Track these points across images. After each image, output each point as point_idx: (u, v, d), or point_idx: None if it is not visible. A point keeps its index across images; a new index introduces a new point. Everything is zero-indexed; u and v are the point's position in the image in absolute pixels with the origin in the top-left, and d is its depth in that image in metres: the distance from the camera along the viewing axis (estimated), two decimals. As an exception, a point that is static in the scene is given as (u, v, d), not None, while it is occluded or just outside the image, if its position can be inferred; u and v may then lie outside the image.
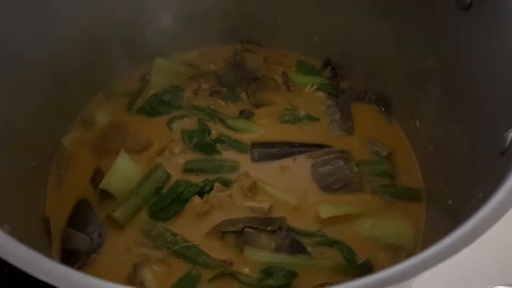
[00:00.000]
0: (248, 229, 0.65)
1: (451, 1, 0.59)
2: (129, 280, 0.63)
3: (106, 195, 0.70)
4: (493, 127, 0.50)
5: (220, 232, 0.66)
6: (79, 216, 0.68)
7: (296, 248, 0.65)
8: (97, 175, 0.72)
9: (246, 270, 0.64)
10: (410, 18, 0.69)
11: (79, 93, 0.78)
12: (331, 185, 0.71)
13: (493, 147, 0.48)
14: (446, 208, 0.61)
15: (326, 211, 0.67)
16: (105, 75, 0.81)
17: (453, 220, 0.57)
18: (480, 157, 0.53)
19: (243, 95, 0.82)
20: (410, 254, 0.65)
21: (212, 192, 0.70)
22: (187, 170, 0.72)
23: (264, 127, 0.78)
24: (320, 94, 0.82)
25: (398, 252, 0.66)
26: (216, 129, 0.77)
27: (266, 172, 0.73)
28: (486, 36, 0.56)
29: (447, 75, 0.64)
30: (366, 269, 0.64)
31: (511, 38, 0.51)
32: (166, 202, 0.69)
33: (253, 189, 0.70)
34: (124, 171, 0.71)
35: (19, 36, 0.62)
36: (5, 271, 0.66)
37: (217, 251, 0.65)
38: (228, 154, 0.75)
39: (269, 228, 0.65)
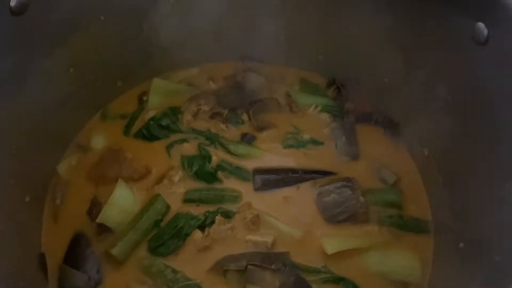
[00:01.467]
0: (252, 267, 0.63)
1: (467, 36, 0.55)
2: (129, 321, 0.61)
3: (104, 228, 0.67)
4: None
5: (222, 268, 0.64)
6: (76, 252, 0.66)
7: (300, 286, 0.63)
8: (94, 205, 0.69)
9: (250, 309, 0.62)
10: (422, 46, 0.66)
11: (75, 116, 0.75)
12: (337, 216, 0.69)
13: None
14: (456, 248, 0.59)
15: (332, 246, 0.65)
16: (101, 96, 0.78)
17: (464, 263, 0.56)
18: (498, 206, 0.50)
19: (245, 117, 0.79)
20: (418, 290, 0.64)
21: (214, 225, 0.67)
22: (188, 200, 0.70)
23: (267, 152, 0.75)
24: (325, 115, 0.79)
25: (406, 288, 0.65)
26: (217, 155, 0.74)
27: (269, 202, 0.71)
28: (503, 71, 0.53)
29: (460, 106, 0.61)
30: (373, 308, 0.63)
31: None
32: (166, 237, 0.66)
33: (256, 222, 0.68)
34: (122, 202, 0.68)
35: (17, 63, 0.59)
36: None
37: (219, 289, 0.64)
38: (230, 183, 0.72)
39: (273, 266, 0.63)
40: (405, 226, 0.69)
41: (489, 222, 0.51)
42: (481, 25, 0.54)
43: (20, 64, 0.61)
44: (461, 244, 0.57)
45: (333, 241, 0.66)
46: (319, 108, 0.80)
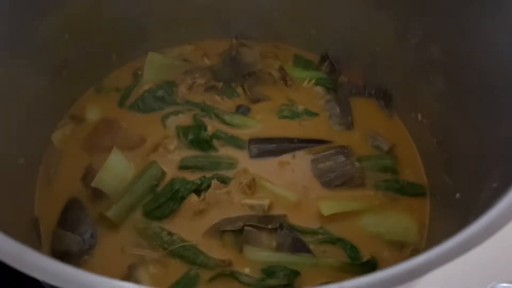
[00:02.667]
0: (248, 228, 0.63)
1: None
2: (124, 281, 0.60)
3: (98, 194, 0.66)
4: (508, 113, 0.48)
5: (218, 231, 0.64)
6: (70, 216, 0.65)
7: (298, 246, 0.63)
8: (89, 173, 0.69)
9: (247, 270, 0.62)
10: (412, 5, 0.67)
11: (70, 87, 0.75)
12: (332, 181, 0.69)
13: (507, 131, 0.46)
14: (453, 202, 0.59)
15: (327, 208, 0.65)
16: (96, 69, 0.78)
17: (460, 215, 0.56)
18: (493, 145, 0.51)
19: (240, 90, 0.79)
20: (415, 250, 0.64)
21: (210, 189, 0.67)
22: (183, 167, 0.70)
23: (261, 123, 0.76)
24: (319, 88, 0.80)
25: (403, 248, 0.64)
26: (212, 125, 0.74)
27: (265, 169, 0.70)
28: (492, 22, 0.54)
29: (452, 66, 0.63)
30: (370, 266, 0.62)
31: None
32: (162, 200, 0.66)
33: (252, 186, 0.68)
34: (117, 168, 0.68)
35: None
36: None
37: (216, 250, 0.63)
38: (225, 151, 0.72)
39: (269, 226, 0.63)
40: (401, 189, 0.69)
41: (485, 160, 0.52)
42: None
43: (15, 27, 0.61)
44: (458, 195, 0.58)
45: (329, 203, 0.66)
46: (313, 81, 0.81)
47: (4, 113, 0.61)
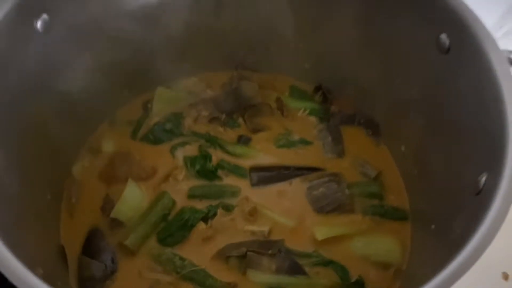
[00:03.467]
0: (251, 253, 0.71)
1: (433, 45, 0.64)
2: (143, 303, 0.69)
3: (116, 223, 0.74)
4: (469, 166, 0.56)
5: (224, 256, 0.72)
6: (92, 244, 0.73)
7: (294, 269, 0.71)
8: (107, 203, 0.77)
9: (250, 291, 0.70)
10: (395, 50, 0.74)
11: (86, 122, 0.83)
12: (325, 207, 0.77)
13: (470, 185, 0.54)
14: (430, 230, 0.67)
15: (321, 233, 0.73)
16: (109, 104, 0.86)
17: (436, 242, 0.64)
18: (458, 192, 0.59)
19: (240, 121, 0.87)
20: (398, 270, 0.73)
21: (216, 217, 0.75)
22: (191, 196, 0.78)
23: (261, 152, 0.83)
24: (312, 118, 0.88)
25: (387, 269, 0.73)
26: (216, 155, 0.82)
27: (265, 196, 0.78)
28: (465, 79, 0.61)
29: (429, 109, 0.70)
30: (358, 286, 0.71)
31: (485, 82, 0.57)
32: (173, 229, 0.74)
33: (253, 213, 0.76)
34: (132, 199, 0.76)
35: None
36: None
37: (222, 273, 0.71)
38: (229, 180, 0.80)
39: (269, 252, 0.71)
40: (386, 214, 0.77)
41: (452, 203, 0.60)
42: (443, 36, 0.63)
43: (41, 74, 0.69)
44: (433, 226, 0.66)
45: (323, 229, 0.74)
46: (307, 111, 0.88)
47: (34, 153, 0.68)
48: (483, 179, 0.51)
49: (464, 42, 0.60)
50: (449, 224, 0.57)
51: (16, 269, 0.44)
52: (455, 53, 0.62)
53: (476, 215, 0.49)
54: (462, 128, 0.61)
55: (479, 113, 0.57)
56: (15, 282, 0.43)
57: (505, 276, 0.81)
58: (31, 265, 0.48)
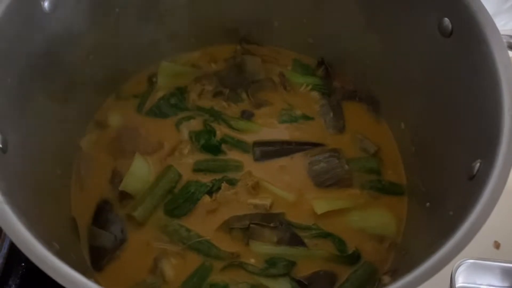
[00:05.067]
0: (253, 225, 0.75)
1: (435, 28, 0.65)
2: (151, 271, 0.73)
3: (125, 195, 0.77)
4: (464, 151, 0.59)
5: (228, 227, 0.76)
6: (102, 216, 0.76)
7: (295, 240, 0.75)
8: (115, 175, 0.79)
9: (252, 261, 0.74)
10: (398, 30, 0.75)
11: (93, 96, 0.84)
12: (325, 181, 0.80)
13: (464, 170, 0.56)
14: (424, 207, 0.71)
15: (320, 207, 0.77)
16: (115, 78, 0.87)
17: (429, 220, 0.68)
18: (452, 175, 0.61)
19: (244, 95, 0.88)
20: (393, 243, 0.76)
21: (220, 191, 0.78)
22: (196, 170, 0.80)
23: (264, 127, 0.85)
24: (314, 93, 0.89)
25: (383, 241, 0.76)
26: (220, 130, 0.84)
27: (267, 171, 0.81)
28: (464, 64, 0.63)
29: (429, 89, 0.72)
30: (355, 257, 0.74)
31: (484, 69, 0.58)
32: (180, 201, 0.77)
33: (256, 188, 0.79)
34: (139, 172, 0.79)
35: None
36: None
37: (226, 244, 0.75)
38: (233, 154, 0.83)
39: (271, 224, 0.75)
40: (383, 189, 0.80)
41: (446, 185, 0.63)
42: (446, 20, 0.64)
43: (50, 53, 0.70)
44: (428, 204, 0.69)
45: (322, 202, 0.78)
46: (310, 86, 0.90)
47: (43, 128, 0.71)
48: (477, 165, 0.54)
49: (466, 27, 0.61)
50: (442, 204, 0.60)
51: (36, 248, 0.47)
52: (457, 37, 0.63)
53: (468, 200, 0.52)
54: (459, 112, 0.63)
55: (477, 99, 0.59)
56: (34, 261, 0.46)
57: (497, 245, 0.85)
58: (48, 241, 0.52)
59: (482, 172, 0.52)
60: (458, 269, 0.77)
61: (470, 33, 0.60)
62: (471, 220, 0.48)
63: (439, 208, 0.62)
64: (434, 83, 0.70)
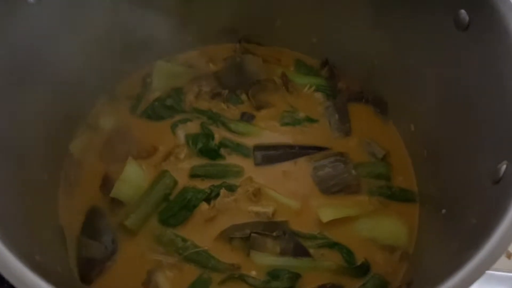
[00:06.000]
0: (255, 235, 0.69)
1: (450, 22, 0.61)
2: (144, 285, 0.67)
3: (116, 202, 0.72)
4: (488, 153, 0.54)
5: (228, 237, 0.70)
6: (92, 224, 0.71)
7: (299, 251, 0.70)
8: (106, 182, 0.74)
9: (253, 273, 0.69)
10: (409, 28, 0.70)
11: (84, 97, 0.79)
12: (331, 188, 0.75)
13: (487, 174, 0.52)
14: (439, 215, 0.65)
15: (326, 215, 0.72)
16: (108, 78, 0.82)
17: (445, 228, 0.63)
18: (472, 180, 0.56)
19: (244, 97, 0.84)
20: (404, 253, 0.71)
21: (219, 198, 0.73)
22: (193, 175, 0.75)
23: (265, 130, 0.81)
24: (318, 95, 0.85)
25: (394, 252, 0.71)
26: (219, 133, 0.79)
27: (269, 176, 0.76)
28: (483, 58, 0.58)
29: (444, 89, 0.67)
30: (364, 269, 0.69)
31: (505, 66, 0.54)
32: (175, 209, 0.72)
33: (257, 194, 0.74)
34: (132, 178, 0.73)
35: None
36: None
37: (226, 255, 0.70)
38: (232, 159, 0.78)
39: (274, 234, 0.70)
40: (393, 196, 0.75)
41: (466, 190, 0.58)
42: (463, 12, 0.59)
43: (35, 47, 0.65)
44: (443, 211, 0.64)
45: (328, 210, 0.73)
46: (313, 87, 0.85)
47: (30, 130, 0.66)
48: (503, 167, 0.49)
49: (485, 18, 0.57)
50: (461, 211, 0.55)
51: (13, 266, 0.42)
52: (475, 30, 0.59)
53: (494, 206, 0.47)
54: (479, 110, 0.59)
55: (500, 96, 0.54)
56: (11, 280, 0.41)
57: (508, 255, 0.80)
58: (28, 254, 0.46)
59: (510, 175, 0.47)
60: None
61: (490, 24, 0.55)
62: (502, 229, 0.43)
63: (458, 216, 0.57)
64: (449, 81, 0.65)
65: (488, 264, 0.41)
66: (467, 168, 0.59)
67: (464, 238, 0.48)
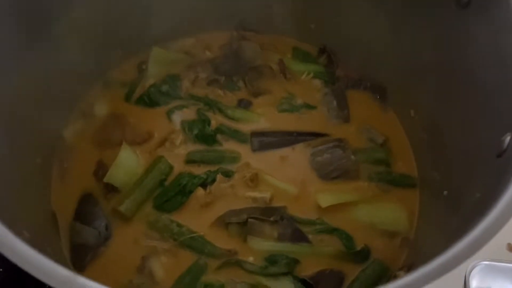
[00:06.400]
0: (252, 220, 0.68)
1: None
2: (138, 271, 0.65)
3: (110, 188, 0.71)
4: (490, 128, 0.53)
5: (224, 222, 0.69)
6: (85, 210, 0.70)
7: (297, 236, 0.68)
8: (100, 167, 0.73)
9: (251, 258, 0.67)
10: (406, 11, 0.70)
11: (78, 83, 0.78)
12: (330, 173, 0.74)
13: (490, 148, 0.50)
14: (440, 197, 0.64)
15: (325, 200, 0.70)
16: (102, 64, 0.81)
17: (447, 210, 0.61)
18: (476, 156, 0.55)
19: (241, 83, 0.82)
20: (405, 239, 0.70)
21: (215, 183, 0.72)
22: (189, 161, 0.74)
23: (262, 116, 0.79)
24: (317, 82, 0.84)
25: (394, 237, 0.70)
26: (215, 119, 0.78)
27: (266, 162, 0.75)
28: (484, 34, 0.57)
29: (444, 69, 0.66)
30: (364, 255, 0.68)
31: (508, 40, 0.53)
32: (171, 194, 0.70)
33: (254, 180, 0.72)
34: (127, 164, 0.72)
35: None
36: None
37: (222, 241, 0.68)
38: (229, 145, 0.76)
39: (271, 218, 0.68)
40: (393, 181, 0.74)
41: (470, 167, 0.57)
42: (464, -12, 0.58)
43: (27, 30, 0.64)
44: (445, 192, 0.63)
45: (327, 195, 0.71)
46: (311, 74, 0.84)
47: (22, 115, 0.64)
48: (507, 139, 0.48)
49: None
50: (464, 189, 0.54)
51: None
52: (476, 5, 0.57)
53: (499, 178, 0.45)
54: (480, 87, 0.58)
55: (502, 69, 0.53)
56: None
57: (510, 248, 0.78)
58: (16, 229, 0.44)
59: (514, 146, 0.46)
60: (472, 271, 0.71)
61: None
62: (506, 198, 0.42)
63: (460, 193, 0.55)
64: (450, 61, 0.64)
65: (494, 230, 0.40)
66: (470, 145, 0.58)
67: (466, 213, 0.47)
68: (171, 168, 0.73)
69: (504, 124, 0.50)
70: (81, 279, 0.38)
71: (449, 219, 0.59)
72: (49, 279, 0.38)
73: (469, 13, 0.59)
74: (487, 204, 0.44)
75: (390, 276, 0.65)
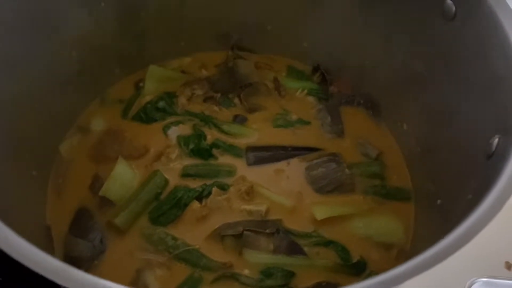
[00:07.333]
0: (247, 232, 0.68)
1: (438, 11, 0.62)
2: (133, 284, 0.65)
3: (105, 202, 0.71)
4: (479, 132, 0.54)
5: (219, 235, 0.68)
6: (80, 223, 0.69)
7: (293, 249, 0.68)
8: (96, 182, 0.73)
9: (246, 271, 0.66)
10: (397, 24, 0.72)
11: (76, 99, 0.79)
12: (325, 187, 0.74)
13: (480, 151, 0.51)
14: (434, 207, 0.64)
15: (320, 213, 0.70)
16: (100, 81, 0.82)
17: (441, 218, 0.61)
18: (467, 160, 0.56)
19: (236, 100, 0.84)
20: (401, 250, 0.69)
21: (210, 196, 0.72)
22: (185, 175, 0.74)
23: (258, 131, 0.80)
24: (311, 98, 0.85)
25: (390, 249, 0.70)
26: (211, 134, 0.79)
27: (262, 176, 0.75)
28: (470, 44, 0.59)
29: (433, 81, 0.68)
30: (360, 267, 0.67)
31: (493, 48, 0.54)
32: (166, 207, 0.70)
33: (250, 193, 0.72)
34: (122, 177, 0.72)
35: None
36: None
37: (217, 254, 0.68)
38: (224, 159, 0.77)
39: (267, 231, 0.68)
40: (388, 194, 0.74)
41: (462, 172, 0.57)
42: (449, 1, 0.61)
43: (25, 45, 0.65)
44: (439, 201, 0.63)
45: (322, 208, 0.71)
46: (305, 91, 0.85)
47: (17, 127, 0.65)
48: (495, 141, 0.49)
49: (470, 4, 0.58)
50: (457, 193, 0.54)
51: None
52: (462, 17, 0.60)
53: (488, 179, 0.46)
54: (471, 94, 0.59)
55: (490, 76, 0.55)
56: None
57: (508, 266, 0.78)
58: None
59: (502, 147, 0.47)
60: (471, 288, 0.71)
61: (477, 9, 0.56)
62: (494, 195, 0.42)
63: (453, 199, 0.56)
64: (440, 72, 0.66)
65: (482, 224, 0.40)
66: (461, 151, 0.59)
67: (458, 215, 0.47)
68: (166, 181, 0.73)
69: (491, 127, 0.51)
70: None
71: (444, 228, 0.59)
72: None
73: (456, 24, 0.60)
74: (478, 201, 0.45)
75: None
